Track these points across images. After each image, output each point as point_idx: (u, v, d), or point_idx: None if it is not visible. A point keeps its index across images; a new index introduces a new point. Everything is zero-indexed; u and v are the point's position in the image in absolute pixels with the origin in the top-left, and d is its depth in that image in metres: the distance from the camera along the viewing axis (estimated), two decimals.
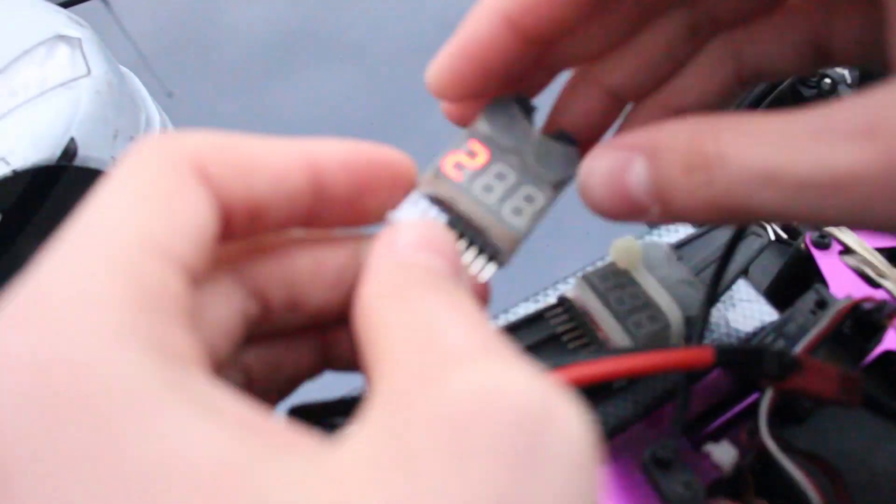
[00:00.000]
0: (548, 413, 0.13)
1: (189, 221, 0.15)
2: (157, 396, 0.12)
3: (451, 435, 0.12)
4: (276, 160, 0.17)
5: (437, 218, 0.19)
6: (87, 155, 0.35)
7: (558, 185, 0.21)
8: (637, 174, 0.18)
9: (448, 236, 0.18)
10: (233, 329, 0.17)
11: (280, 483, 0.12)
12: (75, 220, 0.14)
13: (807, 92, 0.49)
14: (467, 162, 0.20)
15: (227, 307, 0.17)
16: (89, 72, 0.37)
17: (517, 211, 0.20)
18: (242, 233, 0.17)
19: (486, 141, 0.21)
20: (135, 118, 0.39)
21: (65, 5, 0.38)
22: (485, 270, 0.20)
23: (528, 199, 0.20)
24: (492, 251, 0.20)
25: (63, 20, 0.40)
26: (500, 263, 0.20)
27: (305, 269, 0.18)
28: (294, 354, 0.20)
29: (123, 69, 0.42)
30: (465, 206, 0.20)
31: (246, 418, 0.13)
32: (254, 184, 0.17)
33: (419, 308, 0.15)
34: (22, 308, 0.13)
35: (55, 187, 0.44)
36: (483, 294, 0.20)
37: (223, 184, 0.16)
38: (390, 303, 0.15)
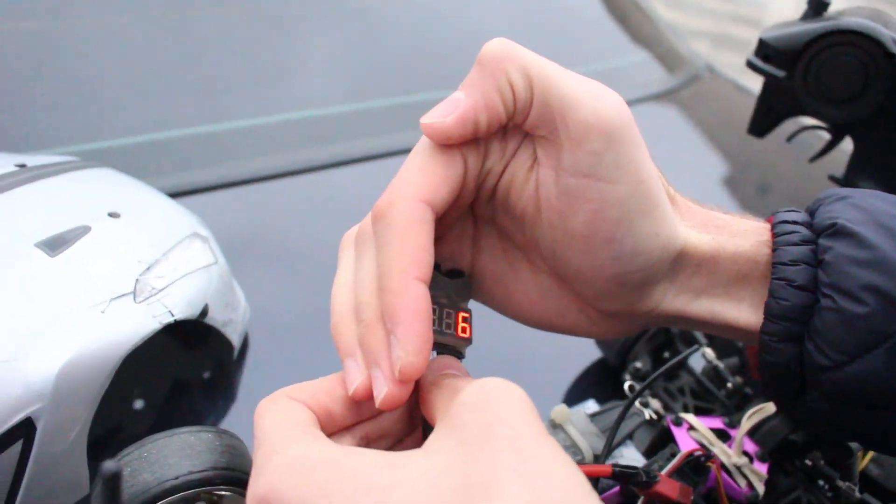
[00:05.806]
0: (491, 393, 0.26)
1: (301, 415, 0.30)
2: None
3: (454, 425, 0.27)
4: (326, 385, 0.32)
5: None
6: (212, 317, 0.59)
7: (468, 300, 0.38)
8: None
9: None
10: None
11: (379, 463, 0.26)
12: None
13: None
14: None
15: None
16: (217, 261, 0.62)
17: (463, 329, 0.36)
18: (326, 429, 0.31)
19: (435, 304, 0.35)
20: (234, 295, 0.64)
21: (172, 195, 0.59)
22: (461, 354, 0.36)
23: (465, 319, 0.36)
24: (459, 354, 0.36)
25: (194, 221, 0.64)
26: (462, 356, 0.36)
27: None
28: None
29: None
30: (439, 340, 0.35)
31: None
32: (319, 398, 0.31)
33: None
34: None
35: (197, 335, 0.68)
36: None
37: (304, 401, 0.31)
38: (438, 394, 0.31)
